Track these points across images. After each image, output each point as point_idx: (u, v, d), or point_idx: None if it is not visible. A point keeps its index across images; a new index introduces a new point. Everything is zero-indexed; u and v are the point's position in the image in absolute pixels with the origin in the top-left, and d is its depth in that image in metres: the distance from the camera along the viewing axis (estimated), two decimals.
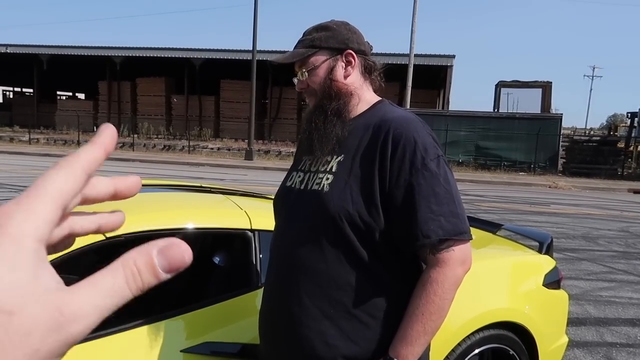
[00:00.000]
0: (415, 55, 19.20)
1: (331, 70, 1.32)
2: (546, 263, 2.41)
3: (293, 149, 20.02)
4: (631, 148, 20.63)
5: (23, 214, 0.28)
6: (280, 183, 1.45)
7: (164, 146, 22.06)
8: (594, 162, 18.32)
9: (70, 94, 38.25)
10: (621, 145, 20.07)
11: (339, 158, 1.28)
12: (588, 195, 13.49)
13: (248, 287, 1.81)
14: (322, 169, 1.29)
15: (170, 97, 26.73)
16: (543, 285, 2.29)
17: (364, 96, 1.35)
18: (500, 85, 21.65)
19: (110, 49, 26.18)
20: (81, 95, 36.80)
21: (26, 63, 28.11)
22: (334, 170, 1.27)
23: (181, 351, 1.56)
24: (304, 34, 1.37)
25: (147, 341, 1.55)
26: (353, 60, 1.33)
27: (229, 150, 21.27)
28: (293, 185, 1.36)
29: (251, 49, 17.72)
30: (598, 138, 20.98)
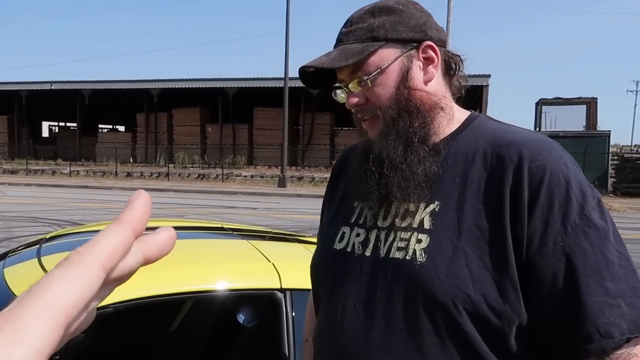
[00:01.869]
0: None
1: (406, 73, 0.88)
2: None
3: (327, 175, 19.66)
4: None
5: (9, 339, 0.22)
6: (322, 234, 1.02)
7: (198, 175, 22.17)
8: None
9: (111, 126, 39.46)
10: None
11: (433, 207, 0.84)
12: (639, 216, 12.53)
13: None
14: (405, 225, 0.85)
15: (205, 126, 27.01)
16: None
17: (452, 109, 0.92)
18: (542, 103, 20.85)
19: (147, 81, 26.85)
20: (121, 128, 37.86)
21: (69, 98, 29.04)
22: (426, 227, 0.83)
23: None
24: (349, 22, 0.92)
25: None
26: (435, 56, 0.89)
27: (262, 177, 21.17)
28: (350, 249, 0.91)
29: (283, 76, 17.78)
30: None
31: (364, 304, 0.84)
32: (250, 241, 1.87)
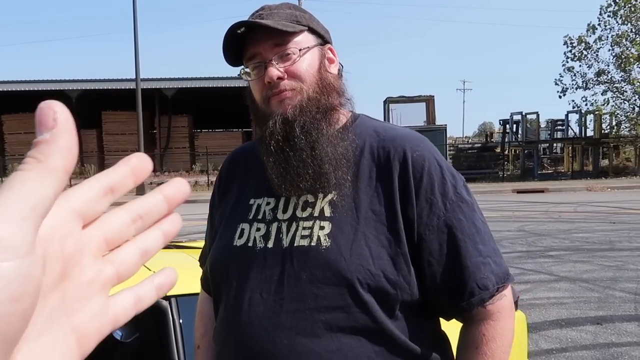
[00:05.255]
0: None
1: (322, 60, 0.98)
2: None
3: (189, 179, 19.04)
4: (507, 152, 22.58)
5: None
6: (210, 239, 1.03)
7: None
8: (478, 167, 19.75)
9: None
10: (498, 150, 21.89)
11: (330, 196, 0.91)
12: (478, 199, 14.28)
13: None
14: (305, 215, 0.91)
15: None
16: None
17: (344, 106, 1.01)
18: (389, 101, 22.60)
19: None
20: None
21: None
22: (327, 214, 0.89)
23: None
24: (268, 7, 0.97)
25: None
26: (334, 58, 1.02)
27: None
28: (250, 243, 0.94)
29: (134, 77, 16.74)
30: (479, 145, 22.68)
31: (272, 292, 0.88)
32: None
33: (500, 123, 25.76)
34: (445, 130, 20.04)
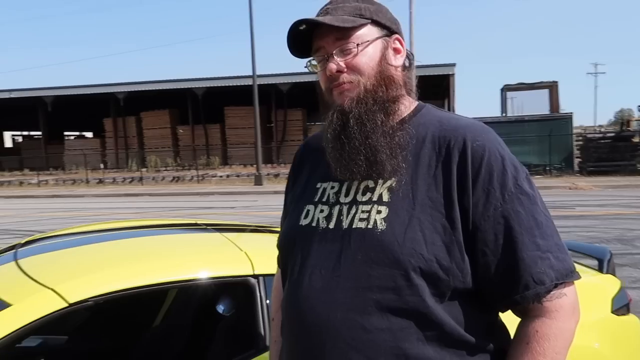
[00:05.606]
0: (416, 67, 19.00)
1: (385, 52, 0.99)
2: (611, 284, 2.01)
3: None
4: None
5: None
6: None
7: (173, 178, 21.93)
8: (610, 159, 17.82)
9: (78, 133, 38.55)
10: (636, 140, 19.54)
11: (390, 182, 0.95)
12: (611, 194, 12.99)
13: (255, 348, 1.47)
14: (365, 199, 0.96)
15: (176, 128, 26.70)
16: (612, 312, 1.90)
17: (409, 96, 1.04)
18: (506, 89, 21.32)
19: (112, 85, 26.31)
20: (88, 134, 37.02)
21: (31, 106, 28.28)
22: (385, 199, 0.94)
23: None
24: (332, 2, 1.01)
25: None
26: (401, 49, 1.02)
27: (238, 176, 21.09)
28: (313, 224, 1.00)
29: (252, 74, 17.72)
30: (612, 134, 20.43)
31: (330, 269, 0.94)
32: (223, 234, 1.94)
33: (638, 109, 23.03)
34: (571, 118, 18.41)
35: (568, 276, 0.90)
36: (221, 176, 21.38)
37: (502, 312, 0.97)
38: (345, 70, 0.97)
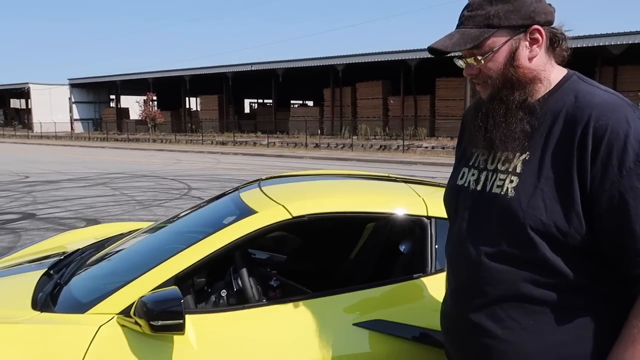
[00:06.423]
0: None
1: (513, 53, 1.13)
2: None
3: None
4: None
5: None
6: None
7: (380, 146, 23.04)
8: None
9: (301, 102, 43.07)
10: None
11: (524, 156, 1.13)
12: None
13: (423, 272, 1.82)
14: (503, 169, 1.15)
15: (387, 98, 27.69)
16: None
17: (549, 76, 1.16)
18: None
19: (332, 58, 28.54)
20: (310, 103, 41.05)
21: (266, 77, 32.63)
22: (518, 171, 1.13)
23: (353, 324, 1.66)
24: (469, 6, 1.16)
25: (326, 310, 1.69)
26: (540, 38, 1.13)
27: (443, 148, 21.06)
28: (467, 185, 1.24)
29: None
30: None
31: (473, 223, 1.19)
32: (409, 185, 2.34)
33: None
34: None
35: None
36: (426, 147, 21.65)
37: (622, 283, 1.08)
38: (478, 73, 1.18)
